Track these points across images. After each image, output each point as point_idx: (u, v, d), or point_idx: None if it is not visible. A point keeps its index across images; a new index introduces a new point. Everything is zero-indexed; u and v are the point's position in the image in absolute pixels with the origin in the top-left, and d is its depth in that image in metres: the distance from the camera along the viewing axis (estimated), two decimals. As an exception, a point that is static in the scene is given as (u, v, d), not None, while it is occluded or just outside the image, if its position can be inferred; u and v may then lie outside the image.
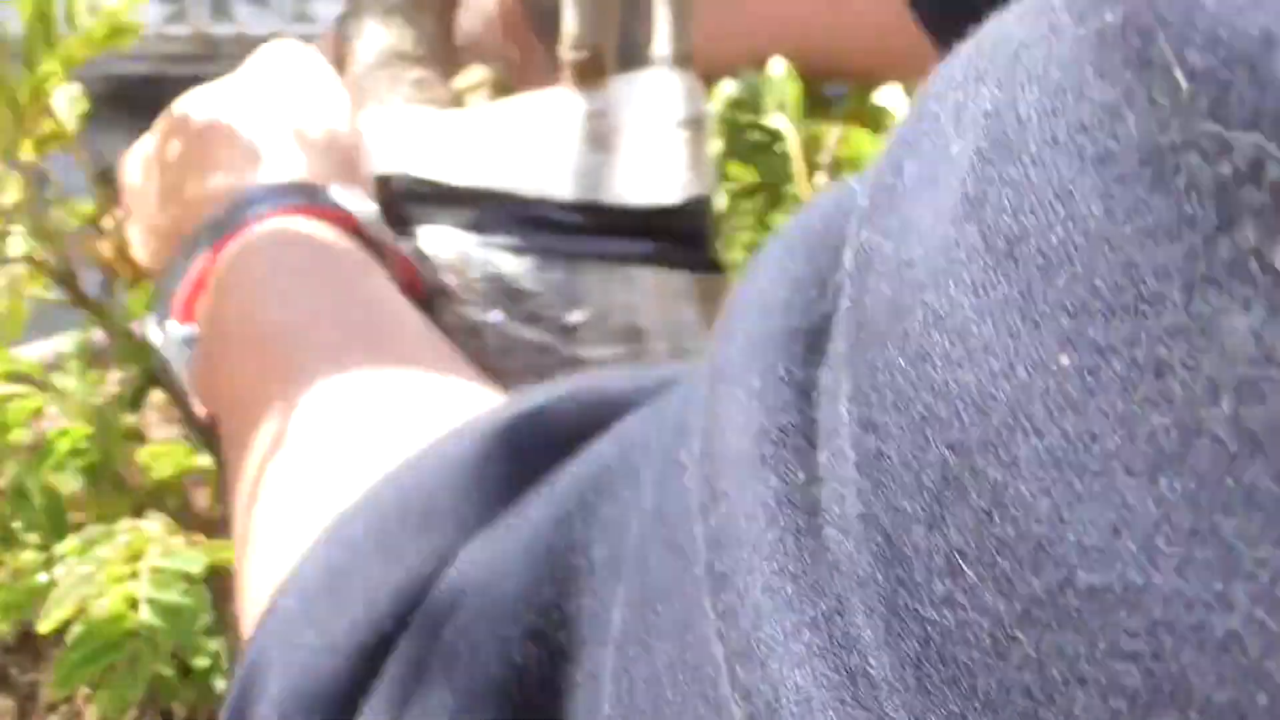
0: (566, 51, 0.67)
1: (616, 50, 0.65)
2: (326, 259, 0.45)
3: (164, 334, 0.45)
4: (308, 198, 0.47)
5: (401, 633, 0.25)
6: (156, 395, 0.69)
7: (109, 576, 0.55)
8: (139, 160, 0.56)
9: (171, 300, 0.45)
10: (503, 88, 0.72)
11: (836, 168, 0.69)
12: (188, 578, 0.56)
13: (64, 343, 0.69)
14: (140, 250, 0.56)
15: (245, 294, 0.43)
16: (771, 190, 0.73)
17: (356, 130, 0.54)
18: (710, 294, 0.67)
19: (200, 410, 0.45)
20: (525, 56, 0.69)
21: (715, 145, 0.67)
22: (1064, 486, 0.13)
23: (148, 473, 0.63)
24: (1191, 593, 0.12)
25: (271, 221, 0.45)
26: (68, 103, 0.59)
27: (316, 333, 0.40)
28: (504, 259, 0.63)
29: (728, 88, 0.69)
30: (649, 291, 0.65)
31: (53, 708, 0.62)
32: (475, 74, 0.74)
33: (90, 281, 0.63)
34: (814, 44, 0.66)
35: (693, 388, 0.22)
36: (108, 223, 0.62)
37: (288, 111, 0.53)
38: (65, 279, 0.63)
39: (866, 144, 0.68)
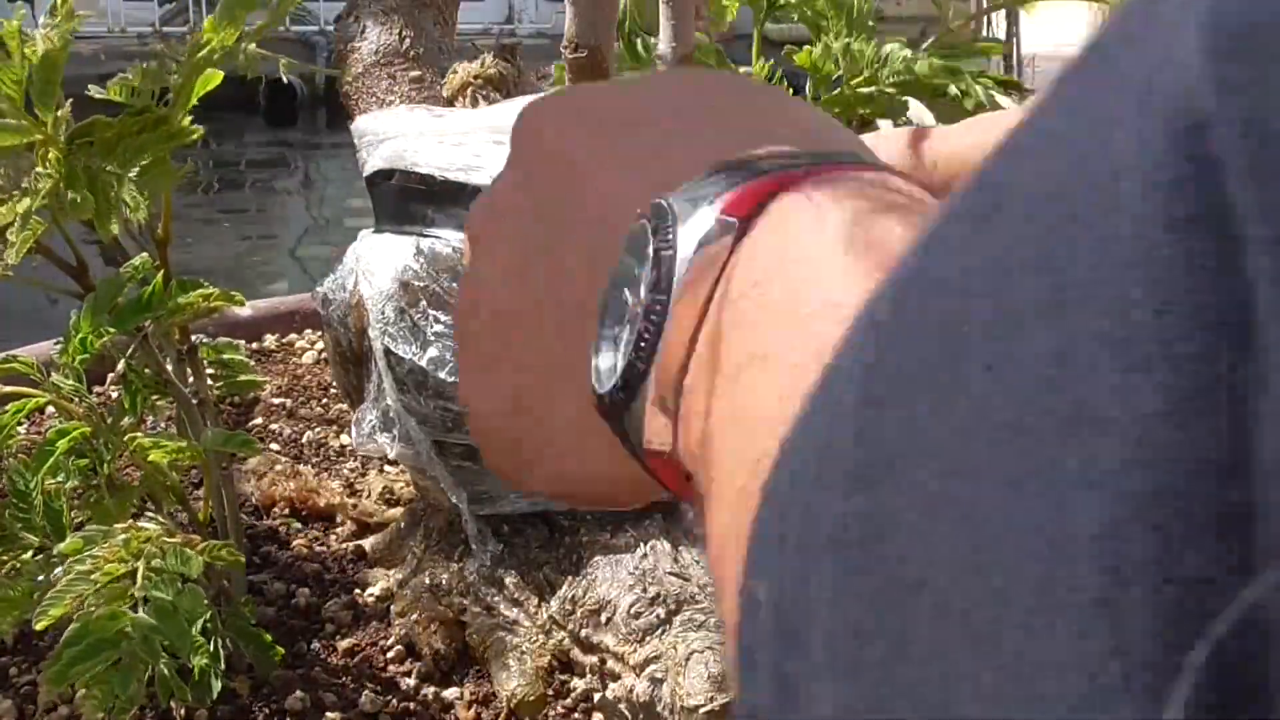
0: (566, 52, 0.67)
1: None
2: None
3: (692, 215, 0.35)
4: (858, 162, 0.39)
5: None
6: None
7: (106, 575, 0.55)
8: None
9: (724, 190, 0.35)
10: (500, 87, 0.72)
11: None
12: (185, 579, 0.56)
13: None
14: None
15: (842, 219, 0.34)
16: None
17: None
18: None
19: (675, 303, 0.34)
20: None
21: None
22: None
23: (145, 473, 0.63)
24: None
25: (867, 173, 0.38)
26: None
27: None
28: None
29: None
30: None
31: (51, 708, 0.62)
32: (474, 73, 0.74)
33: (96, 269, 0.63)
34: None
35: None
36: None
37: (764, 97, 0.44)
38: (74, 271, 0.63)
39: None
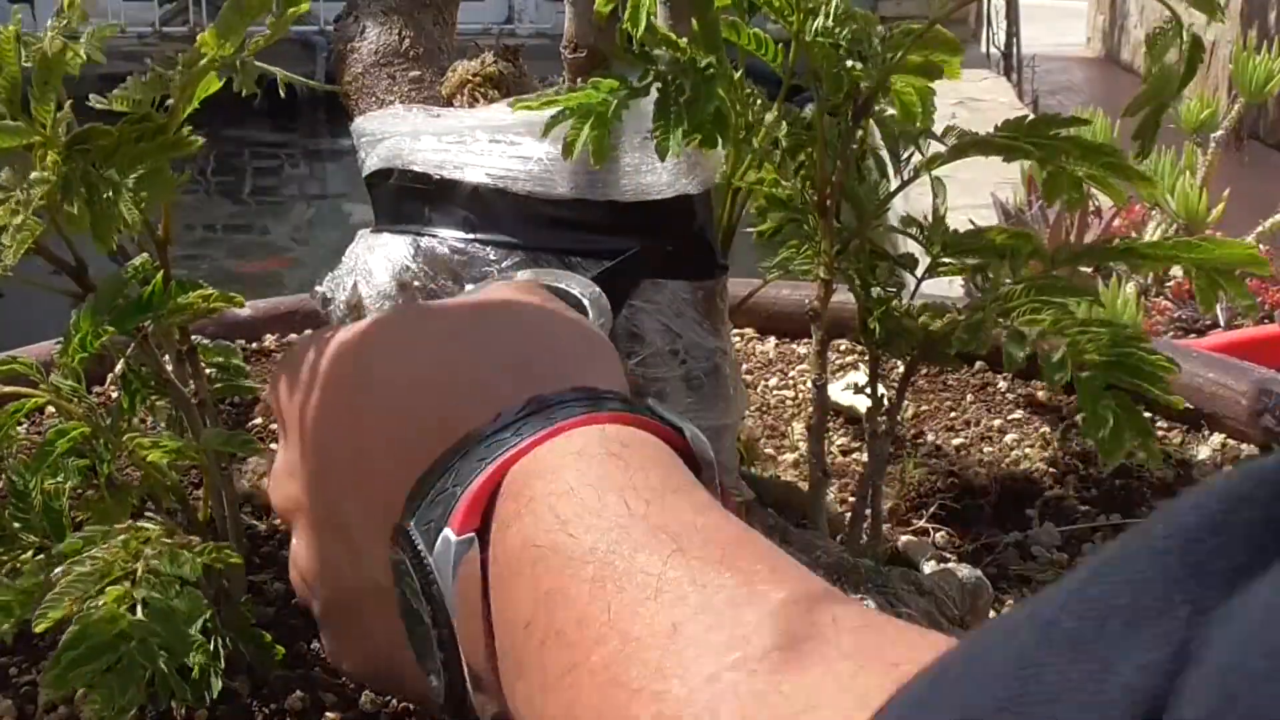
0: (566, 52, 0.67)
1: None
2: (659, 475, 0.39)
3: (436, 543, 0.39)
4: (626, 406, 0.42)
5: None
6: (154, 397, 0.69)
7: (106, 577, 0.55)
8: (309, 376, 0.49)
9: (453, 508, 0.39)
10: (500, 85, 0.72)
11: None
12: (184, 581, 0.56)
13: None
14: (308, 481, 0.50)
15: (573, 504, 0.38)
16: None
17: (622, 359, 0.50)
18: (709, 296, 0.67)
19: (457, 623, 0.40)
20: None
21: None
22: None
23: (145, 473, 0.63)
24: None
25: (586, 430, 0.40)
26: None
27: (652, 554, 0.35)
28: (496, 255, 0.63)
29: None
30: (646, 294, 0.65)
31: (51, 708, 0.63)
32: (472, 71, 0.74)
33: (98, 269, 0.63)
34: None
35: None
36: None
37: (553, 323, 0.49)
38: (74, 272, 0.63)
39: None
